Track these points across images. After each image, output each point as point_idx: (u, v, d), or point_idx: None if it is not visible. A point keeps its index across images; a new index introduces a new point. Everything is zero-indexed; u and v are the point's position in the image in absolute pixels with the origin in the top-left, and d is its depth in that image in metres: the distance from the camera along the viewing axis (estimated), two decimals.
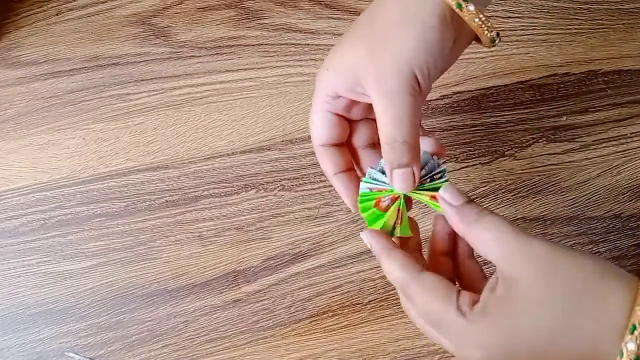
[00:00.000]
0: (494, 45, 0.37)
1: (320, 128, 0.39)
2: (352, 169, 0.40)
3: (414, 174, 0.36)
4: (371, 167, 0.38)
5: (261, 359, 0.47)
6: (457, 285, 0.36)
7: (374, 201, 0.38)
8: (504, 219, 0.33)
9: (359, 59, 0.36)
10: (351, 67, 0.37)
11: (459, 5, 0.35)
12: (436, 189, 0.36)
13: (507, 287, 0.31)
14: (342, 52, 0.38)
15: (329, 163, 0.39)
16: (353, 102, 0.39)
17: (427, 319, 0.33)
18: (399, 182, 0.36)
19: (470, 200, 0.35)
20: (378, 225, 0.38)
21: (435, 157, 0.38)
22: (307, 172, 0.52)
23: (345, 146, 0.40)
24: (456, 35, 0.36)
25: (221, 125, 0.53)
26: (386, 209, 0.38)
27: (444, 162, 0.51)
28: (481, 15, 0.35)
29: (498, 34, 0.37)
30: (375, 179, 0.38)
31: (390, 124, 0.35)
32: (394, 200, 0.38)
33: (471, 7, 0.35)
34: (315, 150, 0.40)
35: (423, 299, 0.33)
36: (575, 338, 0.30)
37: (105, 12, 0.56)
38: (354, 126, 0.41)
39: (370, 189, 0.38)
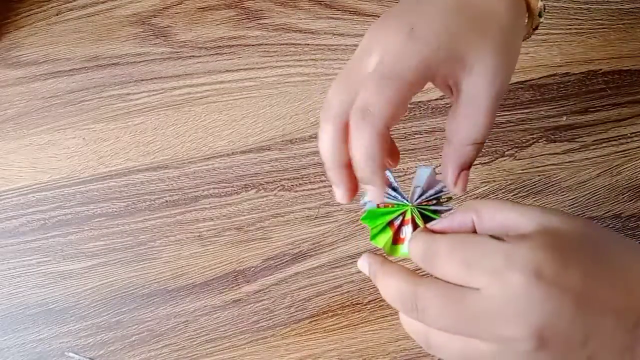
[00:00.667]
0: (538, 24, 0.36)
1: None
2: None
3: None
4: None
5: (261, 359, 0.47)
6: None
7: (391, 233, 0.36)
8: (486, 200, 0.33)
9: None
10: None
11: None
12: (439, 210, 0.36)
13: (540, 229, 0.29)
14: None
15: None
16: None
17: (456, 256, 0.29)
18: (463, 183, 0.36)
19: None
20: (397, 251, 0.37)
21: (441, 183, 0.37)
22: (307, 172, 0.52)
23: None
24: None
25: (221, 125, 0.53)
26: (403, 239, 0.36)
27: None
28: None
29: (545, 7, 0.36)
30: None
31: (470, 124, 0.34)
32: (406, 222, 0.36)
33: None
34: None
35: (453, 236, 0.31)
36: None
37: (105, 12, 0.56)
38: None
39: (377, 205, 0.36)
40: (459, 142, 0.34)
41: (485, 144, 0.52)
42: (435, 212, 0.36)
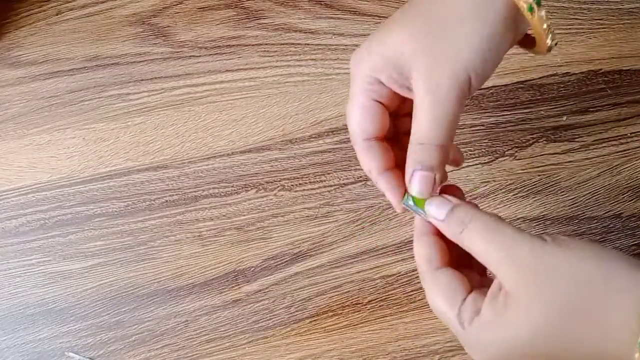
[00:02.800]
0: (546, 53, 0.35)
1: (362, 118, 0.36)
2: (396, 165, 0.37)
3: (435, 180, 0.34)
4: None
5: (261, 359, 0.47)
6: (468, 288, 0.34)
7: None
8: (488, 220, 0.32)
9: (410, 51, 0.33)
10: (399, 56, 0.34)
11: (530, 9, 0.32)
12: None
13: (504, 302, 0.30)
14: (389, 38, 0.35)
15: (374, 160, 0.36)
16: (394, 93, 0.36)
17: (435, 310, 0.33)
18: (418, 184, 0.34)
19: (455, 205, 0.33)
20: None
21: None
22: (307, 172, 0.52)
23: (386, 141, 0.37)
24: (513, 38, 0.34)
25: (221, 125, 0.53)
26: None
27: None
28: (550, 22, 0.33)
29: (556, 43, 0.35)
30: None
31: (429, 123, 0.33)
32: None
33: (542, 13, 0.33)
34: (356, 147, 0.36)
35: (431, 295, 0.33)
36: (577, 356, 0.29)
37: (105, 12, 0.56)
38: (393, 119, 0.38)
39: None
40: (413, 139, 0.34)
41: (485, 144, 0.52)
42: None
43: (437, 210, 0.34)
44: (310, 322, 0.48)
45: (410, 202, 0.35)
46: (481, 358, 0.32)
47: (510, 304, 0.30)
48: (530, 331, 0.29)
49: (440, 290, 0.32)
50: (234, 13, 0.56)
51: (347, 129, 0.52)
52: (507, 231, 0.31)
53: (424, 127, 0.33)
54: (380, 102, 0.36)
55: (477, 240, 0.32)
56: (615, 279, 0.29)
